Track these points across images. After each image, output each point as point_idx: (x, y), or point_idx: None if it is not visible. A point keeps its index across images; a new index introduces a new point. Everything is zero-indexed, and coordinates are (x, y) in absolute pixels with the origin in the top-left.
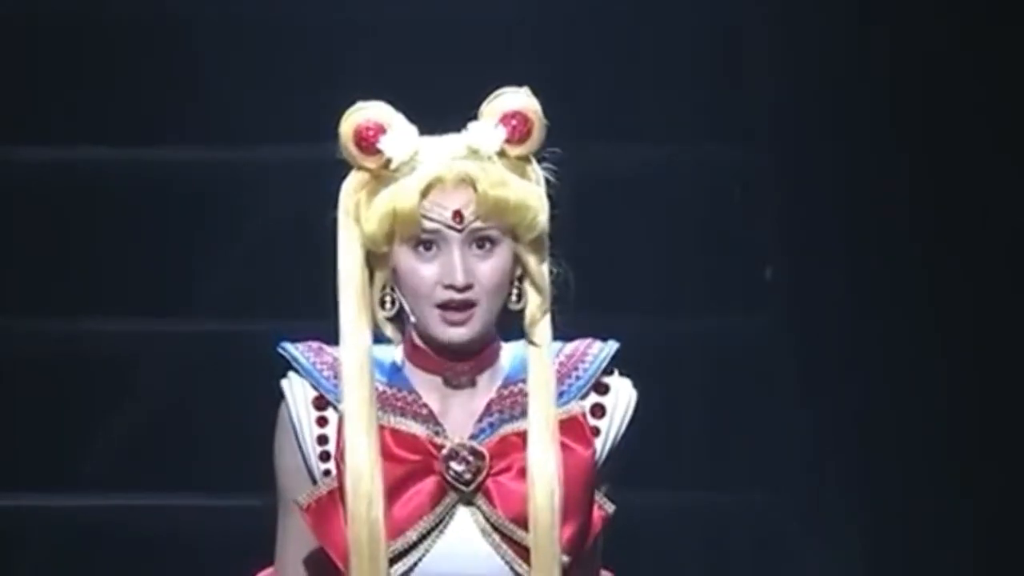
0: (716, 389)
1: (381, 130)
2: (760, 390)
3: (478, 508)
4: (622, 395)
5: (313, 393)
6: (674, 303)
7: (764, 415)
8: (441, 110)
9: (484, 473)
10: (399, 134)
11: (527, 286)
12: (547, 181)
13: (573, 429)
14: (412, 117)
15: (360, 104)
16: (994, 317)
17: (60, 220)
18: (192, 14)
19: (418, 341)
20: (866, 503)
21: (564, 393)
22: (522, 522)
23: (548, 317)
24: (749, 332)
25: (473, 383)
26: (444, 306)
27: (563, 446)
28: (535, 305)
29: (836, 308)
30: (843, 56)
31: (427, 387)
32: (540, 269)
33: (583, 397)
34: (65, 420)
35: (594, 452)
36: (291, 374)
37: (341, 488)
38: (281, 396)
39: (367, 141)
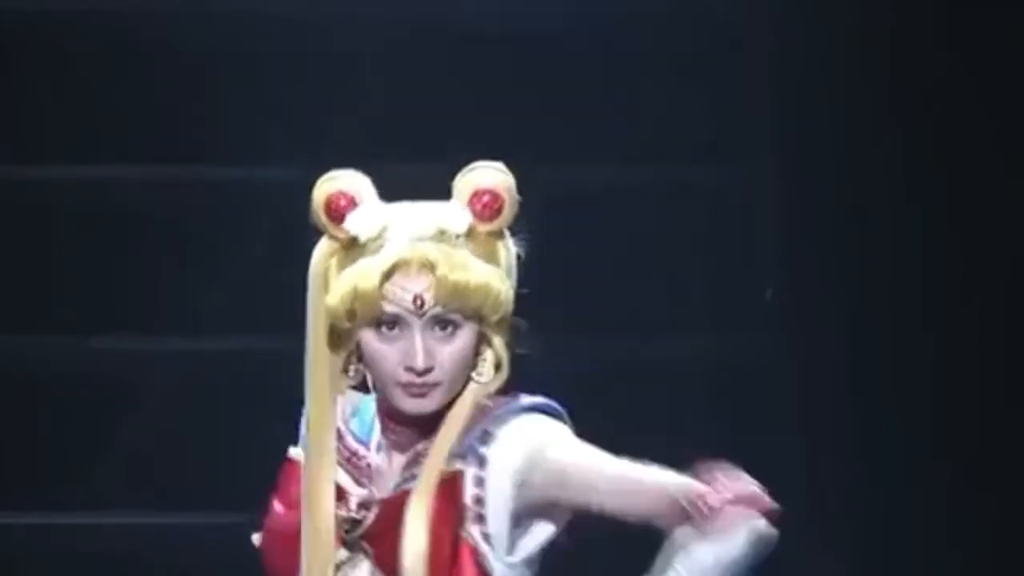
0: (715, 408)
1: (352, 203)
2: (759, 408)
3: (367, 559)
4: (498, 463)
5: None
6: (673, 322)
7: (763, 433)
8: (429, 126)
9: (366, 524)
10: (367, 211)
11: (490, 360)
12: (518, 256)
13: (451, 487)
14: (402, 140)
15: (333, 173)
16: (996, 326)
17: (60, 239)
18: (191, 35)
19: (382, 413)
20: (865, 519)
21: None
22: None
23: (477, 391)
24: (748, 351)
25: (412, 445)
26: (406, 385)
27: (437, 503)
28: (489, 381)
29: (835, 325)
30: (846, 70)
31: (381, 445)
32: (503, 347)
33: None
34: (67, 439)
35: (461, 512)
36: None
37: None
38: None
39: (337, 212)
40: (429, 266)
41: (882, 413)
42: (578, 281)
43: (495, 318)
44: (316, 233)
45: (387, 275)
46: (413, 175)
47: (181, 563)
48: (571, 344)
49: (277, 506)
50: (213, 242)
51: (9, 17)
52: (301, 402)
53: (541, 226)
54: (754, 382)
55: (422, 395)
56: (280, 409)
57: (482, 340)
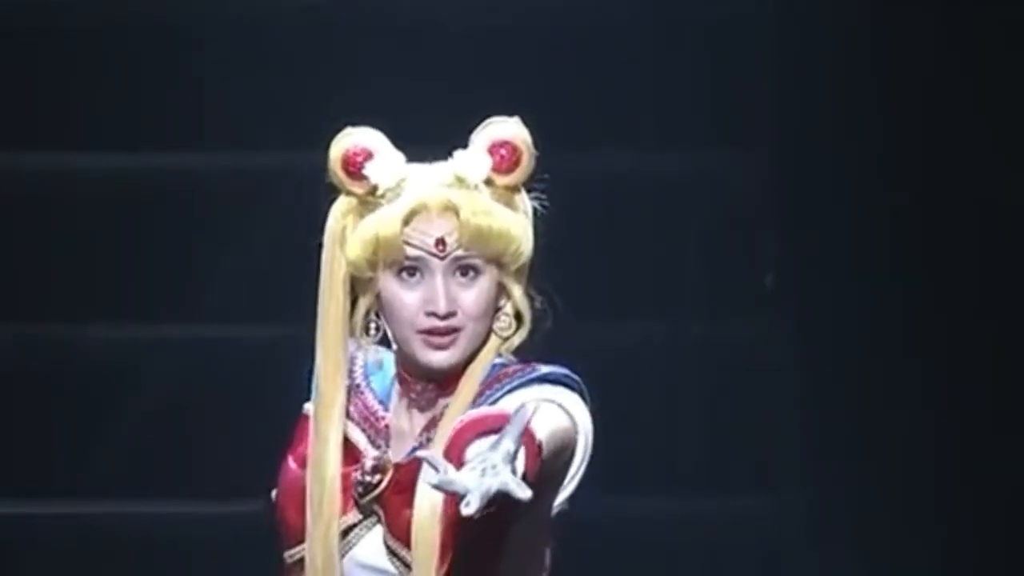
0: (716, 395)
1: (368, 156)
2: (760, 396)
3: (380, 523)
4: None
5: None
6: (674, 309)
7: (764, 421)
8: (439, 115)
9: (380, 488)
10: (386, 160)
11: (511, 313)
12: (535, 211)
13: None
14: (410, 125)
15: (349, 129)
16: (998, 318)
17: (57, 226)
18: (194, 19)
19: (401, 369)
20: (867, 509)
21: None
22: (405, 541)
23: (497, 345)
24: (749, 338)
25: (431, 404)
26: (427, 332)
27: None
28: (510, 334)
29: (836, 313)
30: (846, 58)
31: (400, 407)
32: (523, 298)
33: None
34: (64, 427)
35: None
36: None
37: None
38: None
39: (354, 166)
40: (452, 209)
41: (884, 401)
42: (577, 267)
43: (515, 266)
44: (332, 192)
45: (407, 219)
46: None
47: (181, 551)
48: (569, 330)
49: (289, 462)
50: (214, 230)
51: (11, 3)
52: (304, 390)
53: (540, 212)
54: (754, 368)
55: (443, 347)
56: (281, 397)
57: (502, 292)
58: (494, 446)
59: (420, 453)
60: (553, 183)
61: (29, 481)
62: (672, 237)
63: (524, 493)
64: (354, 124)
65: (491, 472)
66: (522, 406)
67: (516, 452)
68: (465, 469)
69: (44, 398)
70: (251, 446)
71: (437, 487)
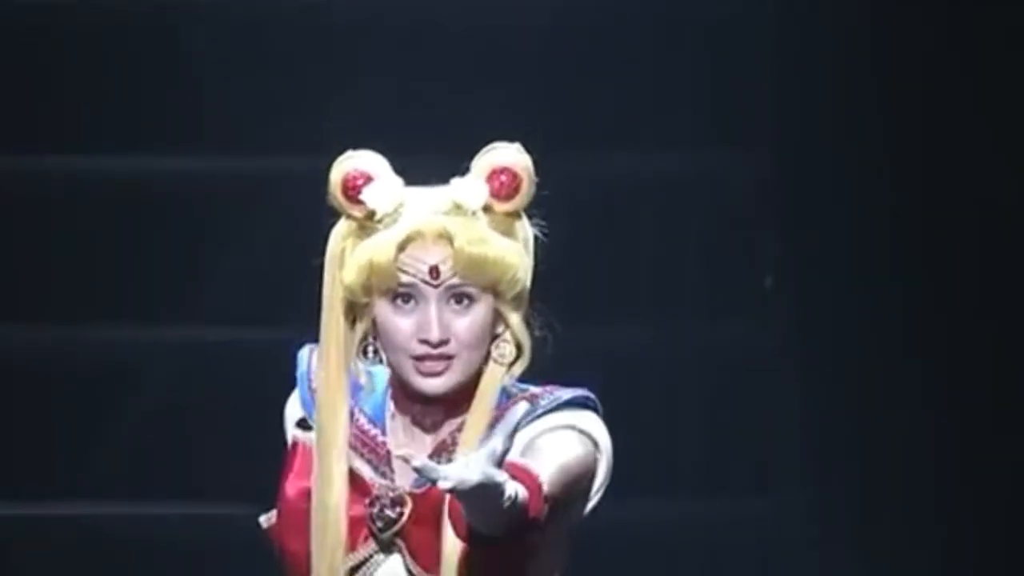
0: (716, 396)
1: (368, 180)
2: (760, 396)
3: (400, 555)
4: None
5: (299, 413)
6: (674, 309)
7: (764, 422)
8: (439, 115)
9: (402, 522)
10: (384, 186)
11: (510, 340)
12: (536, 238)
13: None
14: (410, 125)
15: (350, 153)
16: (998, 318)
17: (57, 226)
18: (194, 19)
19: (398, 390)
20: (867, 509)
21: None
22: (433, 570)
23: (503, 371)
24: (750, 338)
25: (437, 427)
26: (420, 359)
27: None
28: (509, 361)
29: (836, 313)
30: (846, 58)
31: (398, 427)
32: (521, 326)
33: None
34: (64, 427)
35: None
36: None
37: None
38: None
39: (354, 190)
40: (447, 237)
41: (884, 401)
42: (577, 268)
43: (512, 294)
44: (332, 215)
45: (402, 246)
46: (420, 167)
47: (181, 552)
48: (569, 331)
49: (287, 488)
50: (214, 231)
51: (11, 4)
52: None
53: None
54: (754, 368)
55: (436, 373)
56: (282, 398)
57: (499, 319)
58: (482, 444)
59: (414, 464)
60: (554, 184)
61: (29, 481)
62: (672, 237)
63: (501, 477)
64: (353, 124)
65: (474, 464)
66: (511, 409)
67: (503, 452)
68: (450, 464)
69: (44, 398)
70: (251, 447)
71: (418, 470)
